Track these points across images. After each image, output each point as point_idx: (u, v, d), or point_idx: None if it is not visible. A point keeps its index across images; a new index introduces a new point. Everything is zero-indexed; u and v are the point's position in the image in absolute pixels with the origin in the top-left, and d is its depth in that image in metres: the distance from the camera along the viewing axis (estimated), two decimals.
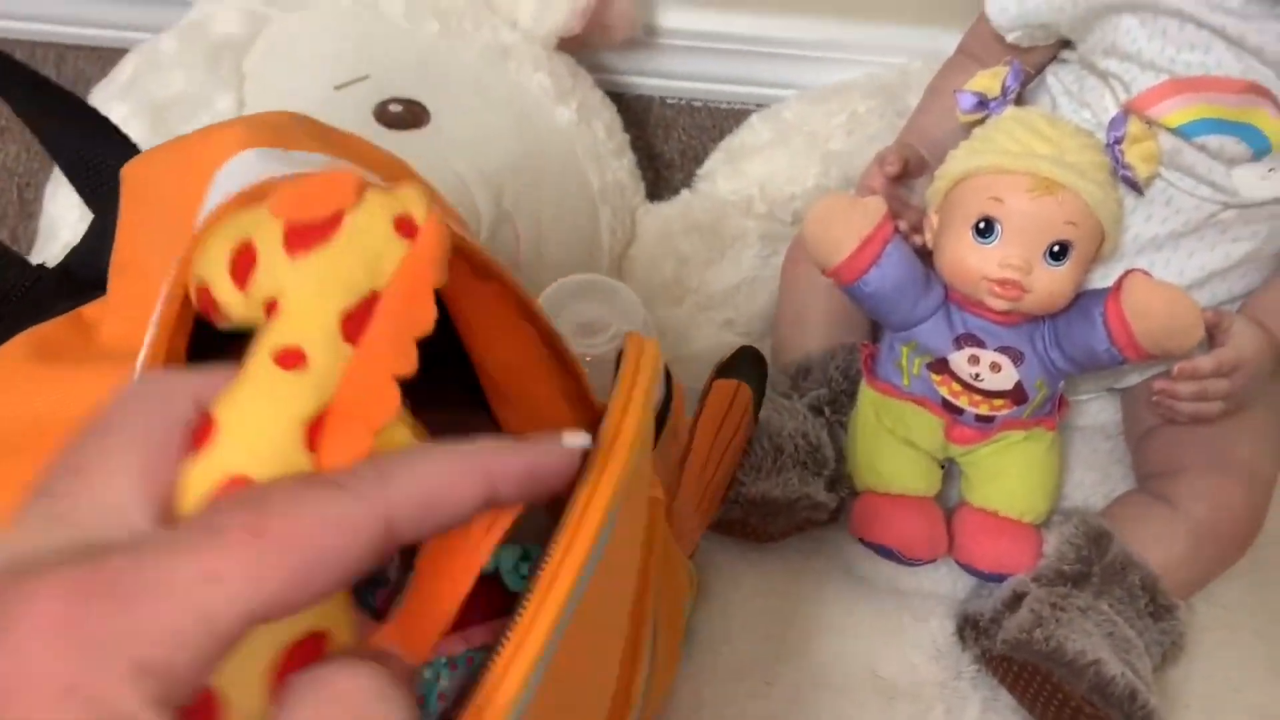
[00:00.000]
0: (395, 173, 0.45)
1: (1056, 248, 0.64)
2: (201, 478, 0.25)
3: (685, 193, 0.90)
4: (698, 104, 1.02)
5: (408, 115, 0.74)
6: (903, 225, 0.71)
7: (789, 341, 0.78)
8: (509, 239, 0.72)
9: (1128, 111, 0.66)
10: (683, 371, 0.56)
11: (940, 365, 0.69)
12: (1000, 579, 0.70)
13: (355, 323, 0.27)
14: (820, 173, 0.86)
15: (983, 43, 0.77)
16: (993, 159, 0.65)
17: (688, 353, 0.80)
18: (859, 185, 0.76)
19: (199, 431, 0.26)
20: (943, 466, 0.73)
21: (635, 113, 1.01)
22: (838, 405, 0.74)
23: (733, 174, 0.89)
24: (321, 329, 0.27)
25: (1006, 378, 0.68)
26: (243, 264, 0.28)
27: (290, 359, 0.26)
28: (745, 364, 0.63)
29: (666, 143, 1.00)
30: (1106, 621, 0.66)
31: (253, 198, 0.30)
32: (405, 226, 0.28)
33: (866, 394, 0.72)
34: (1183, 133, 0.65)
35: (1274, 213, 0.69)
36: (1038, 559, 0.69)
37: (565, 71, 0.86)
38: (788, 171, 0.87)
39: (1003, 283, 0.64)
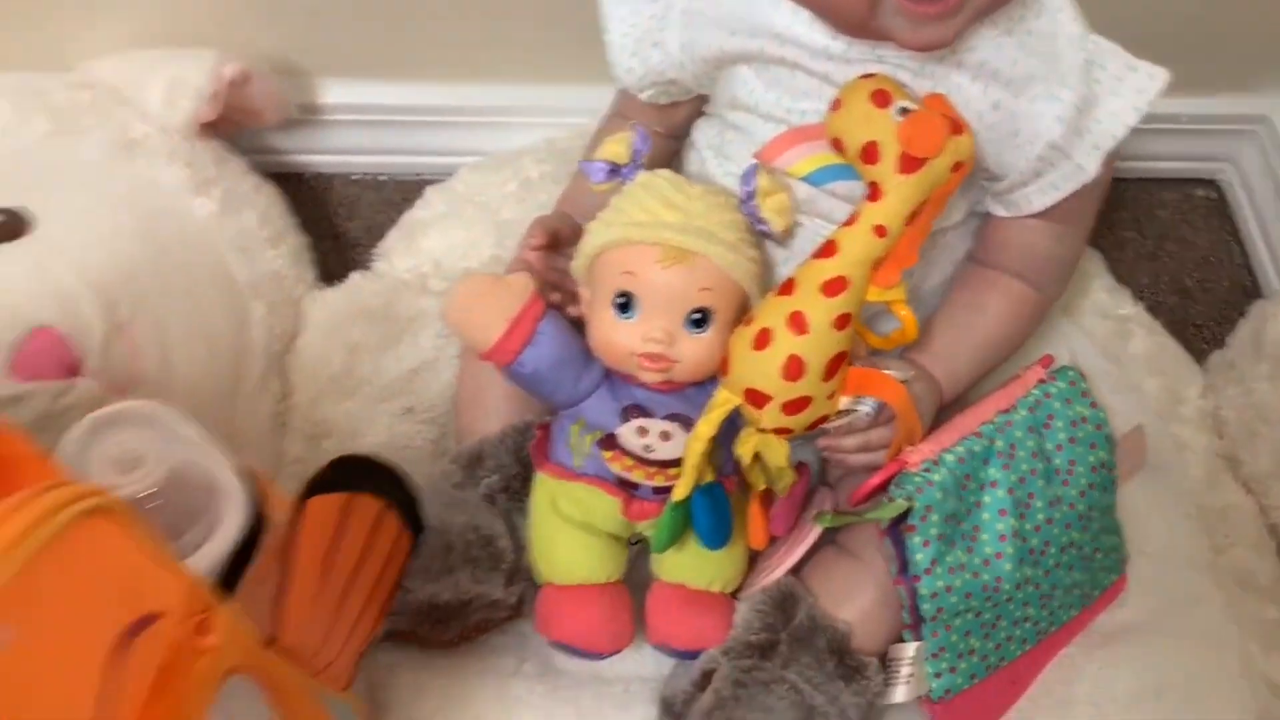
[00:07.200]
0: None
1: (697, 315, 0.62)
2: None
3: (355, 275, 0.84)
4: (383, 178, 0.97)
5: (4, 228, 0.67)
6: (556, 299, 0.68)
7: (468, 427, 0.74)
8: (123, 353, 0.66)
9: (757, 165, 0.65)
10: None
11: (609, 441, 0.65)
12: (695, 655, 0.67)
13: (913, 219, 0.58)
14: (495, 243, 0.83)
15: (628, 103, 0.75)
16: (621, 231, 0.62)
17: (363, 449, 0.75)
18: (513, 260, 0.72)
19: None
20: (635, 543, 0.70)
21: (315, 192, 0.96)
22: (513, 492, 0.70)
23: (408, 250, 0.84)
24: (901, 219, 0.57)
25: (678, 445, 0.65)
26: (870, 153, 0.57)
27: (881, 231, 0.58)
28: (352, 475, 0.58)
29: (350, 221, 0.95)
30: (791, 692, 0.64)
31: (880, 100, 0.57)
32: (957, 167, 0.57)
33: (540, 480, 0.68)
34: (811, 180, 0.64)
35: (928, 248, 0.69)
36: (729, 630, 0.67)
37: (209, 160, 0.80)
38: (463, 245, 0.83)
39: (649, 356, 0.62)
